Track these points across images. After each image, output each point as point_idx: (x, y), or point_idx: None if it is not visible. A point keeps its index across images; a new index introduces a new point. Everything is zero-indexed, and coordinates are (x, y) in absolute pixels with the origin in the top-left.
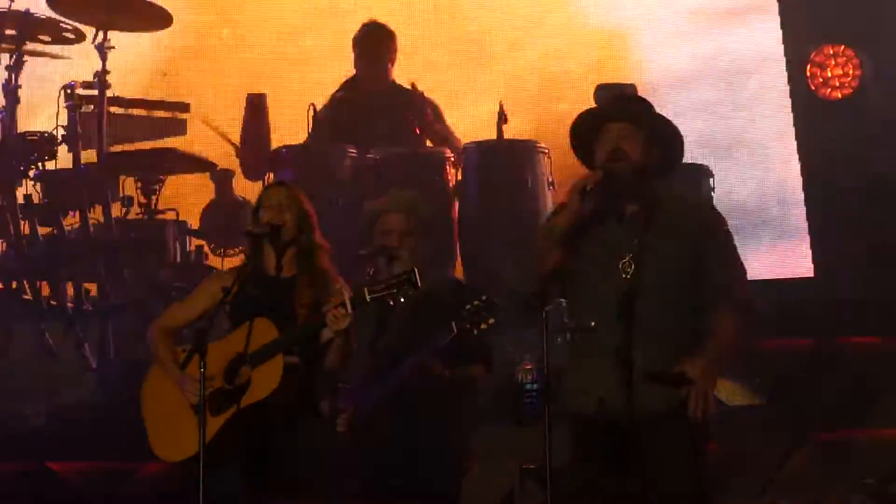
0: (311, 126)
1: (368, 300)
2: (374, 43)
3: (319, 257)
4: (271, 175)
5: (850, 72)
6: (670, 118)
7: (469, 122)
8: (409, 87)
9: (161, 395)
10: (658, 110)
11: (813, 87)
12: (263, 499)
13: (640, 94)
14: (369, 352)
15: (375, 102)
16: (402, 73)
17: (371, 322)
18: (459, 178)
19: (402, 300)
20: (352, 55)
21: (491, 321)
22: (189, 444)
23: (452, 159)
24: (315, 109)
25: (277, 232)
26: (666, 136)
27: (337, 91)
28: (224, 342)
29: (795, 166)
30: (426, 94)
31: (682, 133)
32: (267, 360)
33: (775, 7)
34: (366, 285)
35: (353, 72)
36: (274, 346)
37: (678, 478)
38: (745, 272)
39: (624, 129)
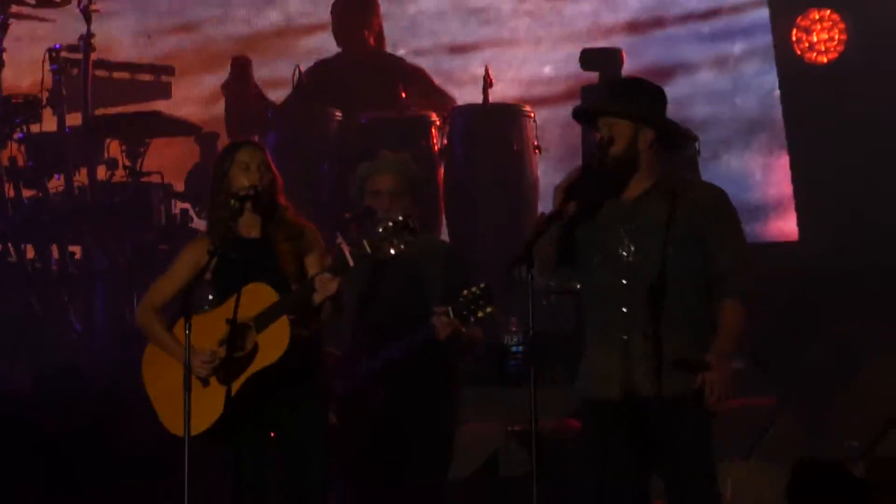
0: (295, 89)
1: (370, 251)
2: (351, 9)
3: (286, 214)
4: (256, 138)
5: (836, 36)
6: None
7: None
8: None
9: (163, 373)
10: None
11: (798, 52)
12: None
13: (623, 54)
14: (359, 323)
15: (360, 67)
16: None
17: (361, 290)
18: (445, 142)
19: (403, 247)
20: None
21: (489, 310)
22: (201, 417)
23: (438, 123)
24: (300, 72)
25: (259, 194)
26: (653, 114)
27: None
28: (216, 312)
29: (781, 132)
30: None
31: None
32: (271, 323)
33: None
34: (364, 237)
35: None
36: (277, 309)
37: (699, 458)
38: (749, 257)
39: (608, 123)
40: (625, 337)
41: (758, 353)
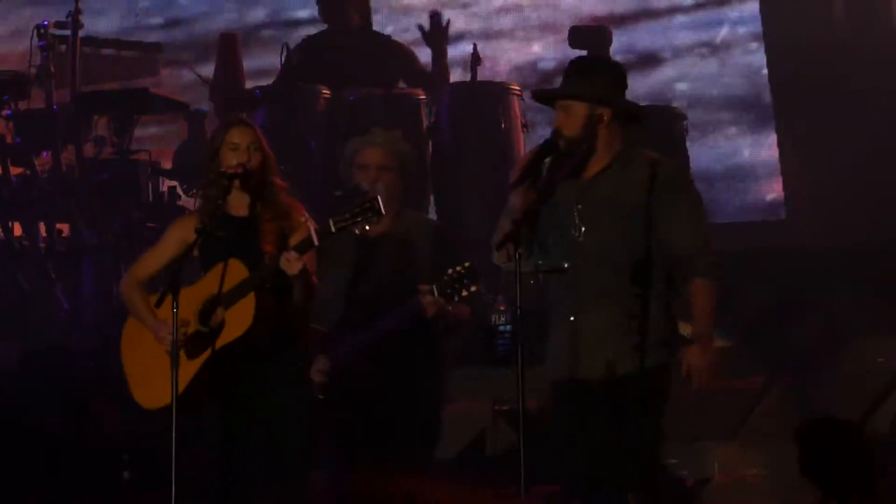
0: (283, 66)
1: (334, 230)
2: None
3: (279, 194)
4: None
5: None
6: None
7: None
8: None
9: (139, 345)
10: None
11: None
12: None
13: (611, 32)
14: (346, 300)
15: (346, 44)
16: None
17: (349, 268)
18: (433, 119)
19: (367, 228)
20: None
21: (473, 289)
22: (166, 390)
23: (426, 101)
24: (288, 49)
25: (248, 173)
26: (612, 96)
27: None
28: (197, 286)
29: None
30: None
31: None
32: (238, 300)
33: None
34: (330, 217)
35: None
36: (244, 287)
37: (644, 438)
38: (707, 233)
39: (563, 105)
40: (572, 318)
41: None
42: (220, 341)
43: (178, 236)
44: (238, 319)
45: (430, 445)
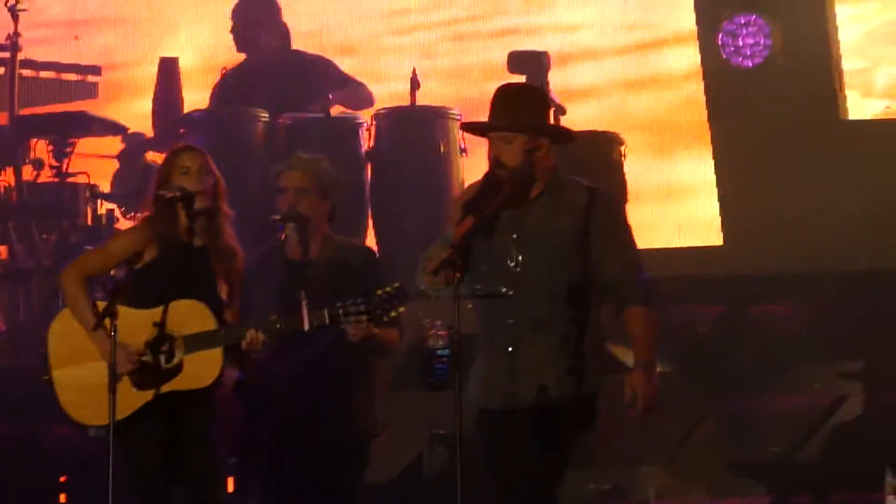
0: (217, 91)
1: (328, 322)
2: (252, 12)
3: (225, 227)
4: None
5: (761, 41)
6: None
7: (384, 86)
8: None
9: (73, 352)
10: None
11: (725, 56)
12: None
13: (551, 60)
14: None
15: (271, 68)
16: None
17: (278, 283)
18: (372, 143)
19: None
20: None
21: (401, 309)
22: (104, 410)
23: (365, 124)
24: (225, 72)
25: (191, 198)
26: (547, 128)
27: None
28: (142, 312)
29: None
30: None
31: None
32: (203, 349)
33: None
34: (326, 307)
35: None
36: (213, 339)
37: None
38: (641, 260)
39: (502, 136)
40: (510, 349)
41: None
42: (178, 385)
43: (129, 244)
44: (201, 372)
45: (358, 469)
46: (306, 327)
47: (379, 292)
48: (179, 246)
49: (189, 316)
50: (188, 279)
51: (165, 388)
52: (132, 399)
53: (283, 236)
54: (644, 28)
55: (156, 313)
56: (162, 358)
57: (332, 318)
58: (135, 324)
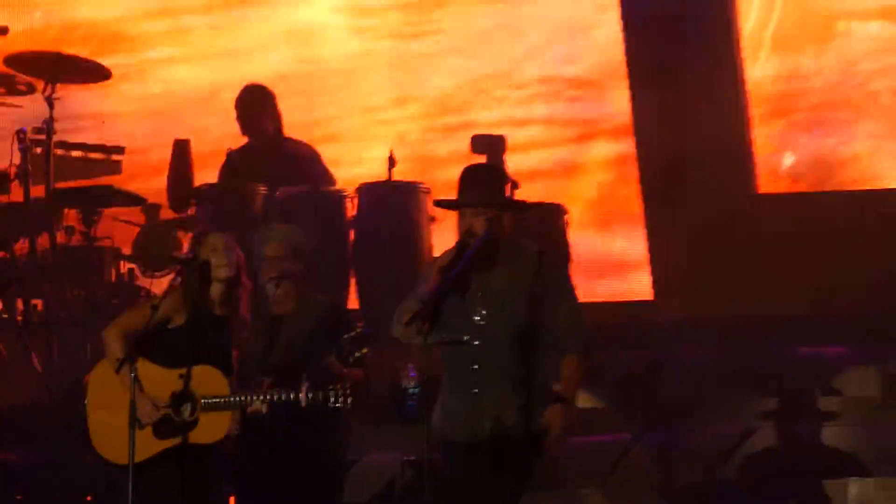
0: (223, 168)
1: (321, 400)
2: (253, 102)
3: (244, 298)
4: (193, 209)
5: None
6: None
7: (365, 166)
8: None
9: (108, 392)
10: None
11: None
12: None
13: (506, 140)
14: (260, 367)
15: (269, 151)
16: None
17: (263, 338)
18: (355, 212)
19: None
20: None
21: (364, 351)
22: (125, 451)
23: (349, 196)
24: (230, 152)
25: (206, 267)
26: (509, 203)
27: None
28: (169, 371)
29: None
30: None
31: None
32: (216, 410)
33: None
34: (322, 389)
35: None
36: (226, 405)
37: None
38: (583, 314)
39: (473, 210)
40: (475, 391)
41: None
42: (192, 438)
43: (166, 310)
44: (213, 429)
45: (332, 492)
46: (304, 405)
47: (345, 336)
48: (205, 314)
49: (208, 380)
50: (209, 344)
51: (180, 440)
52: (151, 445)
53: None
54: (583, 124)
55: (180, 374)
56: (182, 413)
57: (325, 399)
58: (162, 381)
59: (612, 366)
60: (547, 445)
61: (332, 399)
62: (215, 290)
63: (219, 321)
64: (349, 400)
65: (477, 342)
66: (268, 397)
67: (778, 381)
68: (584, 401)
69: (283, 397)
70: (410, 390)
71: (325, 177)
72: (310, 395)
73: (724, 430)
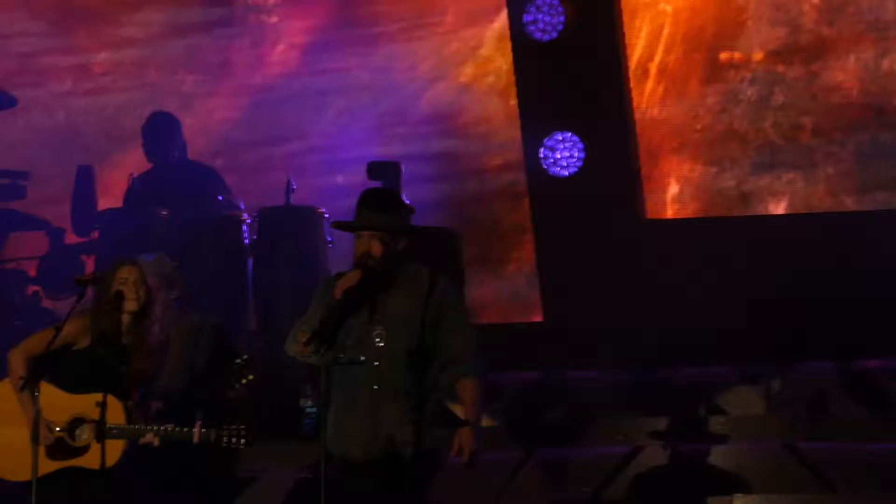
0: (126, 193)
1: (212, 440)
2: (159, 128)
3: (152, 331)
4: (97, 233)
5: (576, 154)
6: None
7: (264, 190)
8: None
9: (6, 408)
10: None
11: (545, 166)
12: None
13: (401, 166)
14: (149, 391)
15: (173, 175)
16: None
17: (155, 365)
18: (255, 237)
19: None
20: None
21: (251, 377)
22: (23, 470)
23: (248, 221)
24: (133, 178)
25: (120, 297)
26: (404, 227)
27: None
28: (68, 396)
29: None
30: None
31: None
32: (110, 439)
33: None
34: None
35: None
36: (122, 432)
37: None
38: (476, 336)
39: (370, 234)
40: (371, 409)
41: None
42: (82, 462)
43: (69, 332)
44: (105, 454)
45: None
46: (196, 441)
47: (233, 363)
48: (111, 341)
49: (106, 407)
50: (110, 372)
51: (70, 463)
52: (44, 466)
53: None
54: (475, 156)
55: (78, 399)
56: (76, 438)
57: (217, 439)
58: (60, 404)
59: (505, 386)
60: (462, 467)
61: (226, 440)
62: (124, 319)
63: (123, 349)
64: (242, 441)
65: (375, 362)
66: (161, 430)
67: (665, 401)
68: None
69: (177, 433)
70: (308, 409)
71: (227, 200)
72: (203, 432)
73: (612, 449)
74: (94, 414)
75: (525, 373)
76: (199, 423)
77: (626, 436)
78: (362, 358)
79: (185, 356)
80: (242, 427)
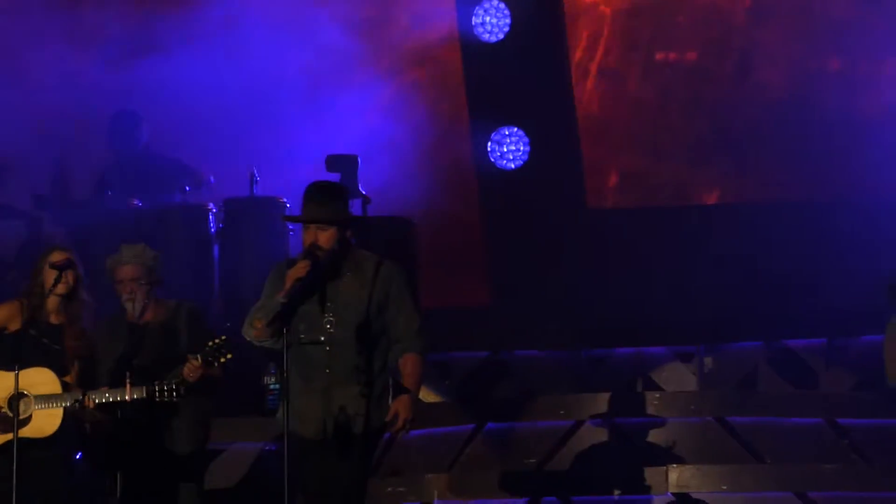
0: (96, 181)
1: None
2: (125, 122)
3: (80, 312)
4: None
5: (521, 147)
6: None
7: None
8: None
9: None
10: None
11: (492, 160)
12: None
13: (358, 159)
14: (128, 369)
15: (138, 163)
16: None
17: (125, 345)
18: (221, 225)
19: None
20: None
21: (229, 356)
22: None
23: (214, 211)
24: (103, 169)
25: (55, 280)
26: (351, 219)
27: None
28: (7, 375)
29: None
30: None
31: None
32: (50, 408)
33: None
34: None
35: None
36: (59, 400)
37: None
38: (421, 317)
39: (319, 227)
40: (324, 390)
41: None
42: (25, 433)
43: (2, 315)
44: (44, 424)
45: (198, 474)
46: (128, 399)
47: (210, 343)
48: (40, 323)
49: (41, 381)
50: (42, 350)
51: (16, 434)
52: None
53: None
54: (426, 147)
55: (11, 376)
56: (16, 411)
57: (149, 394)
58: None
59: (456, 365)
60: (394, 431)
61: (157, 395)
62: (52, 302)
63: (54, 329)
64: (174, 394)
65: (327, 347)
66: (93, 399)
67: (604, 378)
68: (431, 396)
69: (109, 398)
70: (271, 386)
71: (196, 183)
72: (134, 389)
73: (556, 423)
74: (33, 388)
75: (474, 353)
76: (128, 382)
77: (568, 411)
78: (322, 338)
79: (163, 336)
80: (173, 382)
